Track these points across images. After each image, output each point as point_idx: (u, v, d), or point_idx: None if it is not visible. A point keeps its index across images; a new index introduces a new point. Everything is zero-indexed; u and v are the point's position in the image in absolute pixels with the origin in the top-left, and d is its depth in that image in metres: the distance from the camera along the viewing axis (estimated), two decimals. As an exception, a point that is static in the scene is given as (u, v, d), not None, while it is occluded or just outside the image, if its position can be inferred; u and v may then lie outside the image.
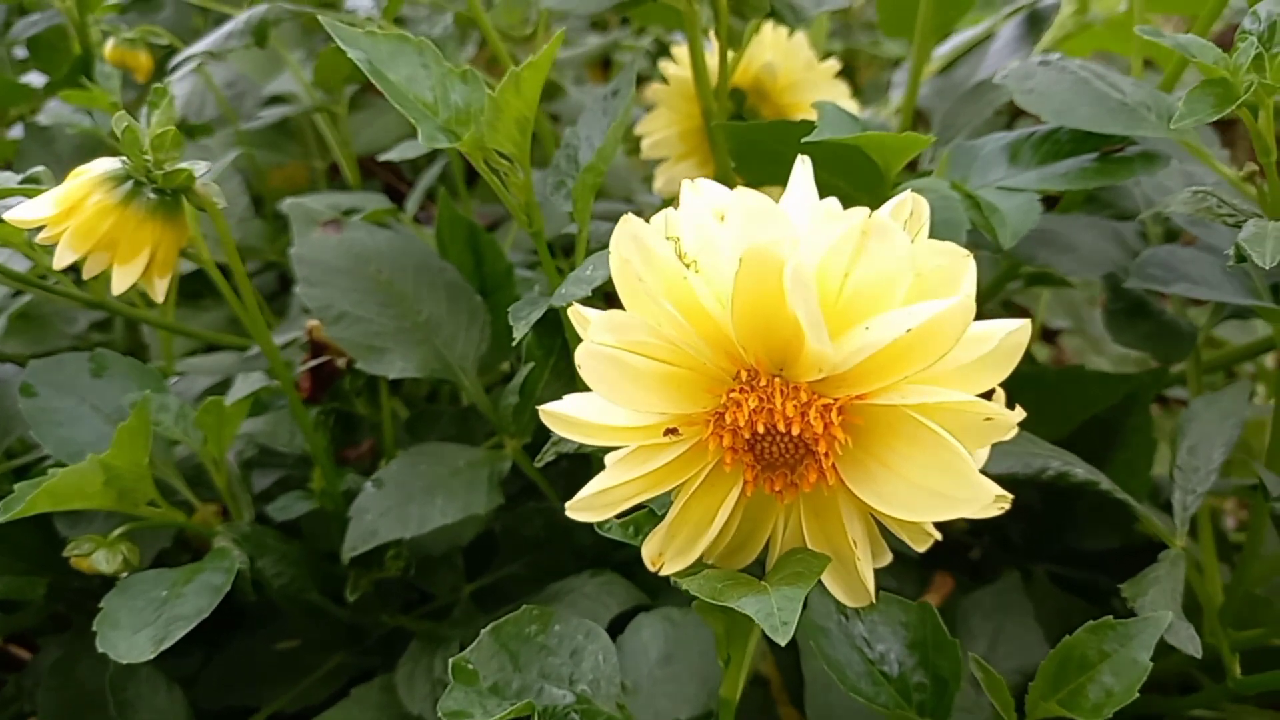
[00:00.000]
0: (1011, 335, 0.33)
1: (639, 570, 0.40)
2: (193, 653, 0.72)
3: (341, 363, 0.58)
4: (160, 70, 0.85)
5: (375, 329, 0.56)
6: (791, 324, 0.31)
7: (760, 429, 0.33)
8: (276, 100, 0.88)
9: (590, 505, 0.36)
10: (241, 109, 0.87)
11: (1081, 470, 0.47)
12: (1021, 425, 0.56)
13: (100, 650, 0.46)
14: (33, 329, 0.74)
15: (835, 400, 0.33)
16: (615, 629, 0.54)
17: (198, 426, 0.52)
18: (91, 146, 0.78)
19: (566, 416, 0.35)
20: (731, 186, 0.33)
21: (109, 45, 0.76)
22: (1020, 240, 0.52)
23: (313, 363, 0.58)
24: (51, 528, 0.58)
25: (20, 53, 0.95)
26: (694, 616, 0.52)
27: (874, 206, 0.33)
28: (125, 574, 0.50)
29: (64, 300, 0.58)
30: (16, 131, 0.89)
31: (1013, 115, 0.86)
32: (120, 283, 0.48)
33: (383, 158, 0.59)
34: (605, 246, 0.37)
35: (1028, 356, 0.76)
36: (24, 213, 0.47)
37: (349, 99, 0.86)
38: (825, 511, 0.36)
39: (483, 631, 0.42)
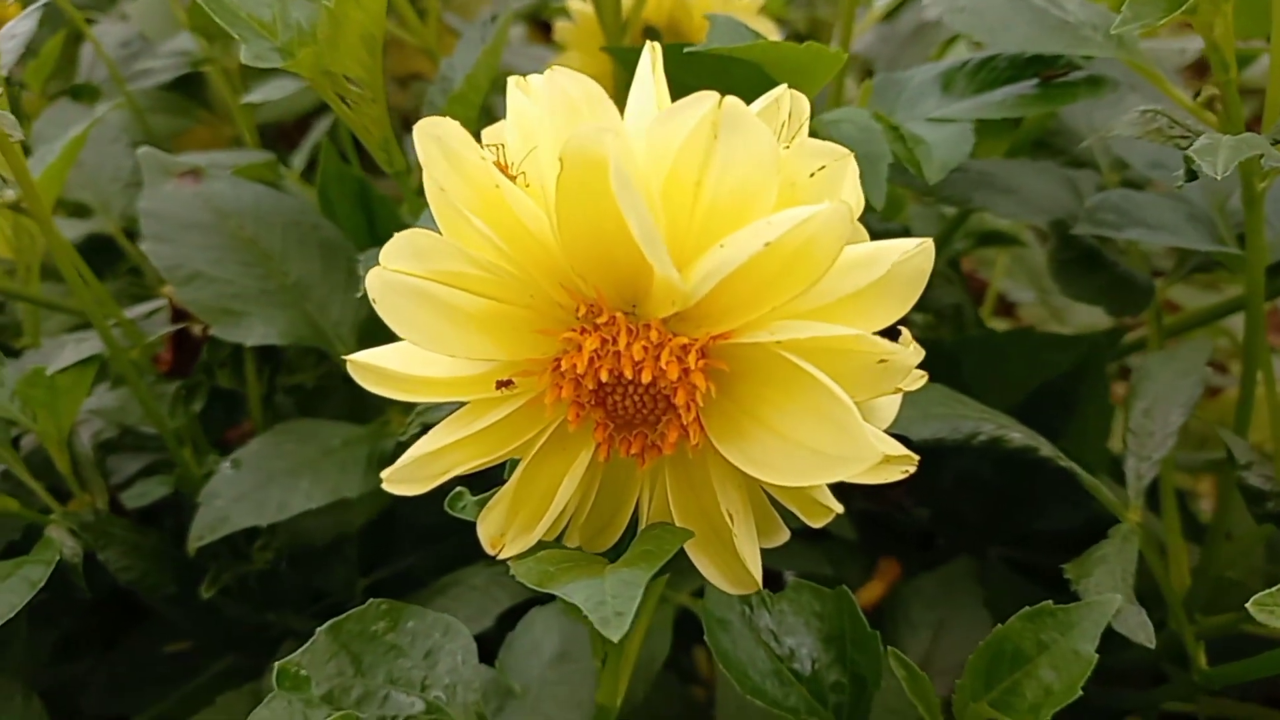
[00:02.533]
0: (910, 259, 0.27)
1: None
2: (85, 657, 0.66)
3: (199, 330, 0.51)
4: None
5: (233, 291, 0.49)
6: (635, 244, 0.25)
7: (604, 377, 0.27)
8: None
9: (409, 475, 0.29)
10: (134, 71, 0.80)
11: (1019, 435, 0.41)
12: (971, 393, 0.51)
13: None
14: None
15: (694, 340, 0.27)
16: (510, 624, 0.48)
17: (19, 399, 0.45)
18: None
19: (375, 368, 0.29)
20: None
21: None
22: (953, 180, 0.46)
23: (166, 330, 0.51)
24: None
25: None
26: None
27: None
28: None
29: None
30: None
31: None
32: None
33: (245, 100, 0.53)
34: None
35: (979, 324, 0.70)
36: None
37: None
38: (696, 480, 0.30)
39: (319, 630, 0.36)
